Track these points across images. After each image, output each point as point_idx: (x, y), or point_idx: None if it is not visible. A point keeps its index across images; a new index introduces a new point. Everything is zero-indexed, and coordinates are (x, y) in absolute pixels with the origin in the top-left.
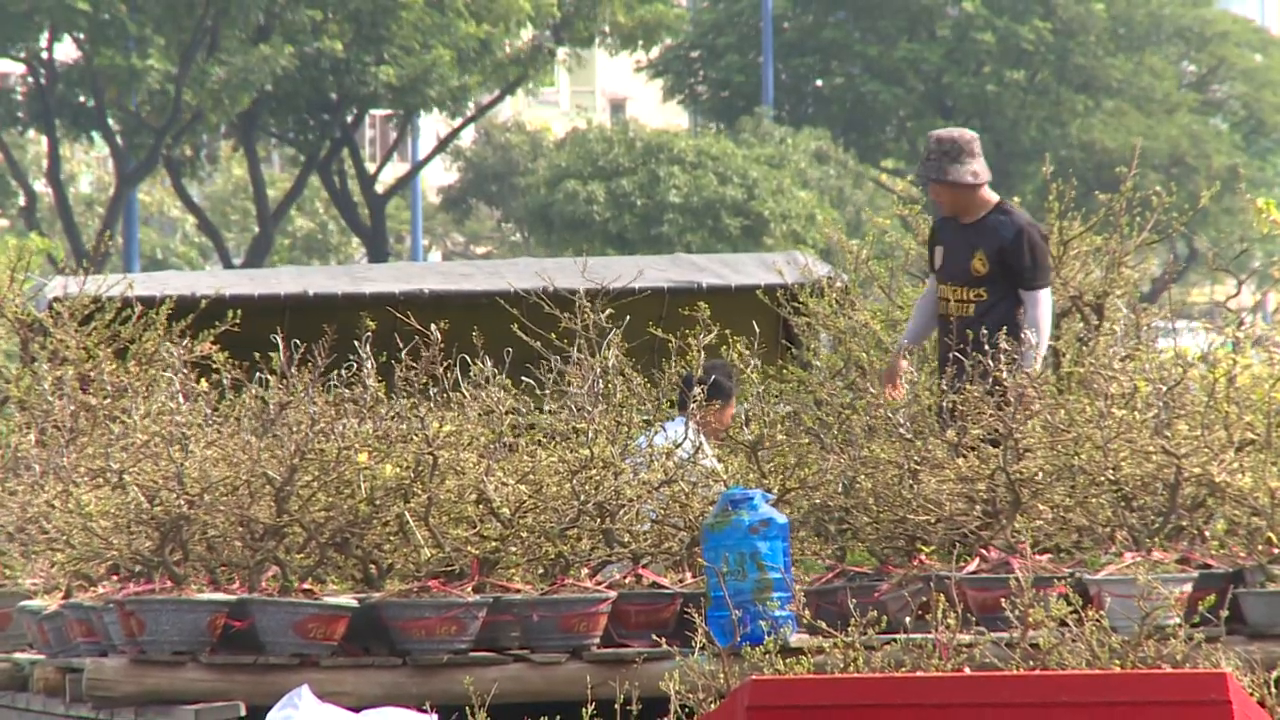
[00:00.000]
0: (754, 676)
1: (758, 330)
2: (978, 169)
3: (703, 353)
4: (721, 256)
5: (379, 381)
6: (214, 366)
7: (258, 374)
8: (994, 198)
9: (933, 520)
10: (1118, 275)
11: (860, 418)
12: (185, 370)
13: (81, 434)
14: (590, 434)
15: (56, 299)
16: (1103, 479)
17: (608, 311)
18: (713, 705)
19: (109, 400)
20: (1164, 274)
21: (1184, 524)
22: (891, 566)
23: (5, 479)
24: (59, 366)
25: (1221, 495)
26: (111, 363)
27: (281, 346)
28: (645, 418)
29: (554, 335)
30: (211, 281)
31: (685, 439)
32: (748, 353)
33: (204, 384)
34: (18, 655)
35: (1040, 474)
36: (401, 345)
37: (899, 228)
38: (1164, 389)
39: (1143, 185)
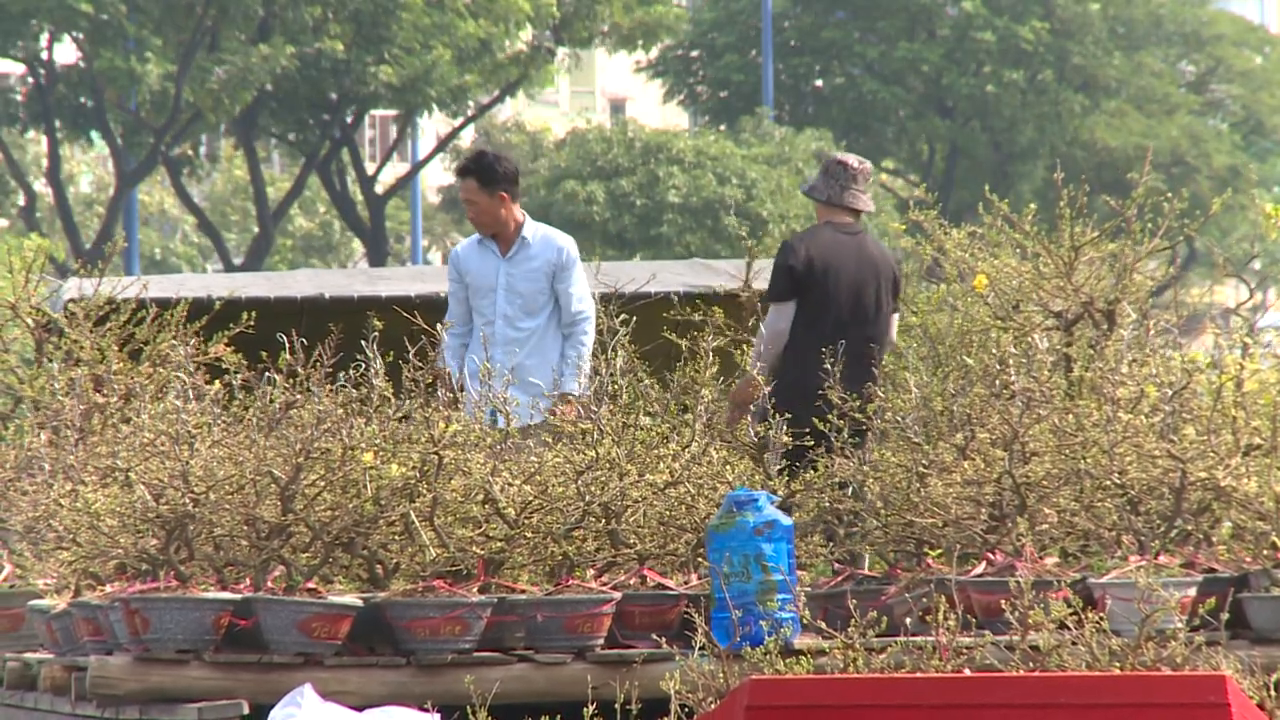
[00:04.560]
0: (753, 676)
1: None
2: (816, 183)
3: (716, 357)
4: (738, 262)
5: (387, 382)
6: (227, 368)
7: (267, 375)
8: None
9: (940, 524)
10: (1129, 281)
11: (872, 421)
12: (196, 370)
13: (92, 433)
14: (596, 435)
15: (72, 300)
16: (1109, 483)
17: (622, 316)
18: (712, 705)
19: (119, 401)
20: (1167, 276)
21: (1189, 528)
22: (900, 570)
23: (18, 478)
24: (73, 367)
25: (1227, 500)
26: (123, 363)
27: (291, 347)
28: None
29: None
30: (227, 283)
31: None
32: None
33: (218, 385)
34: (27, 655)
35: (1046, 478)
36: (410, 347)
37: (908, 233)
38: (1170, 393)
39: (1148, 188)
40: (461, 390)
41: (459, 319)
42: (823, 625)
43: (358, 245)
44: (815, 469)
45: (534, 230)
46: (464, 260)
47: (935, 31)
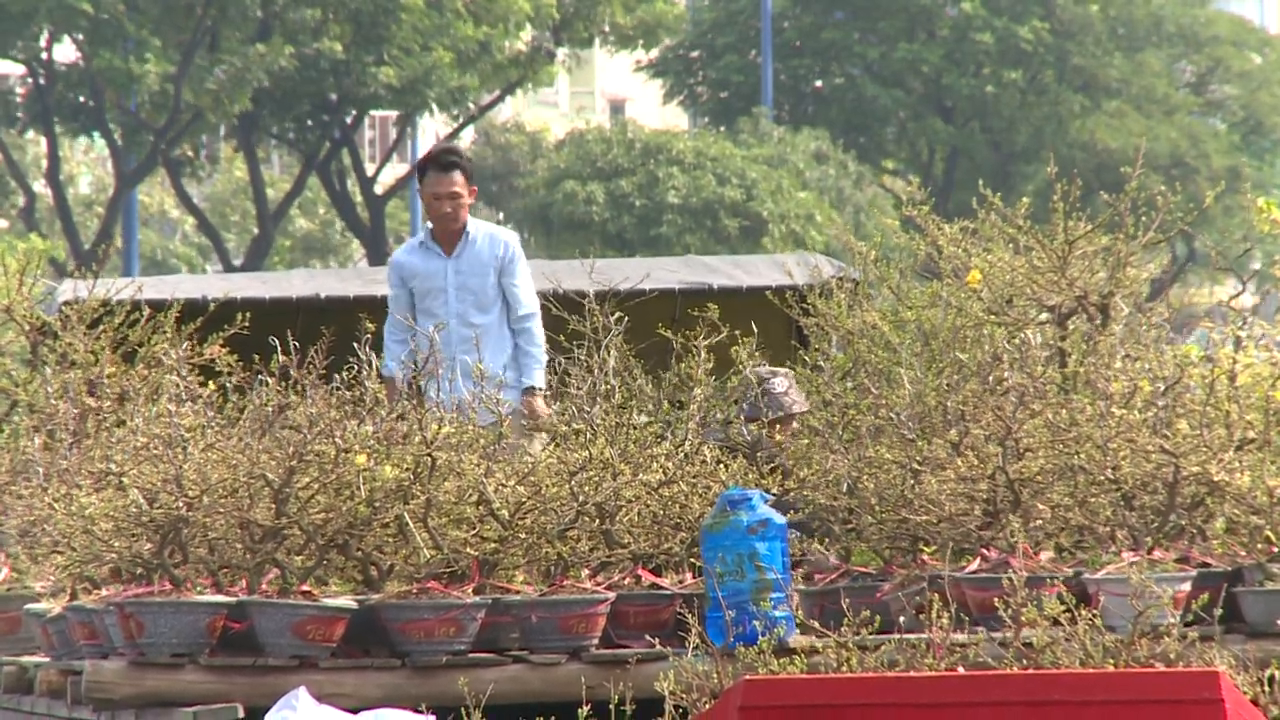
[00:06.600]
0: (747, 676)
1: (756, 331)
2: None
3: (711, 354)
4: (734, 258)
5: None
6: (221, 370)
7: (260, 377)
8: None
9: (934, 520)
10: (1123, 275)
11: (866, 418)
12: (190, 373)
13: (86, 437)
14: (589, 434)
15: (67, 303)
16: (1102, 478)
17: (617, 314)
18: (707, 705)
19: (112, 404)
20: (1164, 274)
21: (1183, 523)
22: (895, 566)
23: (13, 482)
24: (67, 370)
25: (1221, 494)
26: (117, 366)
27: (286, 349)
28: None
29: (561, 337)
30: (223, 284)
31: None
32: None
33: (212, 387)
34: (24, 658)
35: (1040, 474)
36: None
37: (903, 228)
38: (1163, 388)
39: (1145, 186)
40: (416, 390)
41: (402, 325)
42: (816, 626)
43: (357, 246)
44: None
45: (477, 228)
46: (407, 266)
47: (935, 32)
